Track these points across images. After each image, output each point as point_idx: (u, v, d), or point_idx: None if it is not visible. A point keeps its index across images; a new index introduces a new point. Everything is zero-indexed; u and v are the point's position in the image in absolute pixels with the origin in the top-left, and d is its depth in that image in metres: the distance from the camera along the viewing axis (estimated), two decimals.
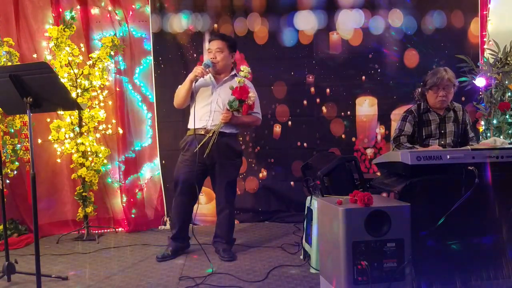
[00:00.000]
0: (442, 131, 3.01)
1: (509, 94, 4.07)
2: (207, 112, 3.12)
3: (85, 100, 3.81)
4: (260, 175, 4.32)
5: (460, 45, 4.26)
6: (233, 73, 3.25)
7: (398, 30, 4.25)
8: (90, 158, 3.82)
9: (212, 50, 3.16)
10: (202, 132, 3.11)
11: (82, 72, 3.80)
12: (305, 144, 4.31)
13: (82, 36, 4.02)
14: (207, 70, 3.08)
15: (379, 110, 4.31)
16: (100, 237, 3.91)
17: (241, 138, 4.26)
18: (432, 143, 3.00)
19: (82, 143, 3.76)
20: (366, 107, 4.31)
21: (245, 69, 3.12)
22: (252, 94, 3.08)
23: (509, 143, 2.97)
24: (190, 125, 3.17)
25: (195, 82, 3.10)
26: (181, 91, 3.15)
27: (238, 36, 4.19)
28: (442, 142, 3.00)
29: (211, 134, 3.06)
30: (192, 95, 3.19)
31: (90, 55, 3.91)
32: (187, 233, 3.37)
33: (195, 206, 3.32)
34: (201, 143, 3.06)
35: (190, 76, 3.08)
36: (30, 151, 2.40)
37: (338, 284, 2.18)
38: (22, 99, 2.33)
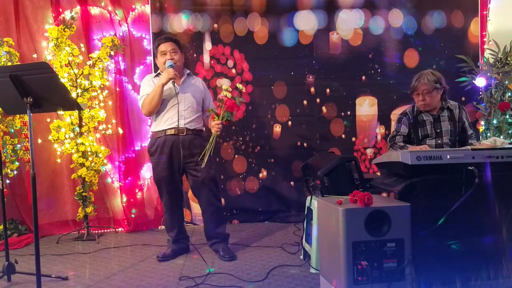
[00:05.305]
0: (438, 130, 3.02)
1: (509, 94, 4.07)
2: (176, 114, 3.10)
3: (85, 100, 3.81)
4: (260, 175, 4.32)
5: (460, 45, 4.27)
6: (188, 71, 3.27)
7: (398, 30, 4.25)
8: (90, 158, 3.82)
9: (166, 52, 3.14)
10: (174, 132, 3.10)
11: (82, 72, 3.80)
12: (305, 144, 4.31)
13: (82, 36, 4.02)
14: (175, 71, 3.08)
15: (379, 110, 4.31)
16: (100, 237, 3.91)
17: (241, 138, 4.27)
18: (429, 143, 3.00)
19: (82, 143, 3.76)
20: (366, 107, 4.31)
21: (227, 88, 3.09)
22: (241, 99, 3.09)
23: (509, 143, 2.97)
24: (157, 128, 3.16)
25: (166, 86, 3.08)
26: (154, 98, 3.08)
27: (238, 36, 4.20)
28: (439, 142, 3.00)
29: (210, 144, 3.05)
30: None
31: (90, 55, 3.92)
32: (185, 233, 3.37)
33: (194, 205, 3.31)
34: (205, 150, 3.05)
35: (162, 80, 3.04)
36: (30, 151, 2.40)
37: (338, 284, 2.18)
38: (22, 99, 2.33)
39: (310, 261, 2.90)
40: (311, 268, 2.85)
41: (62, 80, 3.55)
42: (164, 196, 3.24)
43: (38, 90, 2.34)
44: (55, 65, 3.73)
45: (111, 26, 4.10)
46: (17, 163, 3.76)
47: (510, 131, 4.04)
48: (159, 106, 3.13)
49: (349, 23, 4.24)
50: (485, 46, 4.27)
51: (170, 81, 3.07)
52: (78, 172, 3.80)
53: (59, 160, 4.02)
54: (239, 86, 3.12)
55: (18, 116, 3.71)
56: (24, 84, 2.31)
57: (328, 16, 4.22)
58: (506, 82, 4.05)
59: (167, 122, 3.12)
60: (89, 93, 3.85)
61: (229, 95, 3.00)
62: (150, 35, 4.13)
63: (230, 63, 4.23)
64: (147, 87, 3.17)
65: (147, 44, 4.16)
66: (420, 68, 4.15)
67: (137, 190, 4.16)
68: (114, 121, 4.10)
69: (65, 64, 3.75)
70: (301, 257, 3.13)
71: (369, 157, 4.31)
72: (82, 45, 3.96)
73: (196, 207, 4.19)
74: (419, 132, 3.04)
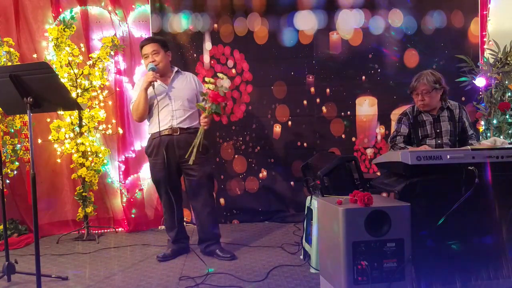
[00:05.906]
0: (438, 130, 3.02)
1: (509, 94, 4.07)
2: (168, 114, 3.10)
3: (85, 100, 3.81)
4: (260, 175, 4.32)
5: (460, 45, 4.27)
6: (176, 69, 3.24)
7: (398, 30, 4.25)
8: (90, 158, 3.82)
9: (148, 54, 3.12)
10: (168, 132, 3.10)
11: (82, 72, 3.80)
12: (305, 144, 4.31)
13: (82, 36, 4.02)
14: (156, 74, 3.05)
15: (379, 110, 4.31)
16: (100, 237, 3.91)
17: (241, 138, 4.26)
18: (429, 143, 3.01)
19: (82, 143, 3.76)
20: (366, 107, 4.31)
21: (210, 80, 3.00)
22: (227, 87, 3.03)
23: (509, 143, 2.97)
24: (152, 130, 3.16)
25: (148, 89, 3.05)
26: (140, 104, 3.07)
27: (238, 36, 4.20)
28: (439, 142, 3.00)
29: (197, 139, 3.02)
30: None
31: (90, 55, 3.92)
32: (185, 233, 3.38)
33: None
34: (192, 146, 3.01)
35: (143, 85, 3.02)
36: (30, 151, 2.40)
37: (338, 284, 2.18)
38: (22, 99, 2.33)
39: (310, 261, 2.90)
40: (311, 268, 2.85)
41: (62, 80, 3.55)
42: (163, 197, 3.24)
43: (38, 90, 2.34)
44: (55, 65, 3.73)
45: (111, 26, 4.10)
46: (17, 163, 3.76)
47: (510, 131, 4.04)
48: (147, 111, 3.12)
49: (349, 23, 4.24)
50: (485, 46, 4.27)
51: (151, 84, 3.03)
52: (78, 172, 3.80)
53: (59, 160, 4.02)
54: (220, 75, 3.03)
55: (18, 116, 3.70)
56: (24, 84, 2.31)
57: (328, 16, 4.22)
58: (506, 82, 4.05)
59: (160, 123, 3.09)
60: (89, 93, 3.85)
61: (211, 86, 2.95)
62: (150, 35, 4.12)
63: (230, 63, 4.23)
64: (136, 93, 3.15)
65: None
66: (420, 68, 4.15)
67: (137, 190, 4.16)
68: (114, 121, 4.10)
69: (65, 64, 3.75)
70: (301, 257, 3.13)
71: (369, 157, 4.31)
72: (82, 45, 3.96)
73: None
74: (419, 132, 3.05)
